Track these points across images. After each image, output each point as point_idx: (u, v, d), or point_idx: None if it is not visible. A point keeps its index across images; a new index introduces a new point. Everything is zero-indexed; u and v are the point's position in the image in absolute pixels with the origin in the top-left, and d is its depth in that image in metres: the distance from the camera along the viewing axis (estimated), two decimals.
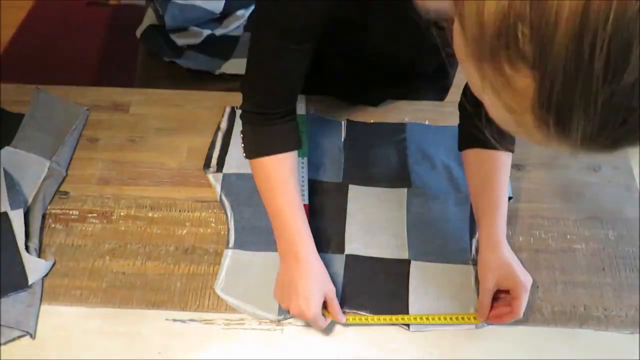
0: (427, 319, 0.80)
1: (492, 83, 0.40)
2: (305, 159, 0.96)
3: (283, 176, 0.80)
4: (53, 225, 0.89)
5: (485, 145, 0.81)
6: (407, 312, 0.81)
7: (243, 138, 0.83)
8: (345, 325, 0.80)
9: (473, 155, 0.84)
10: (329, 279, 0.79)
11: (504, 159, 0.82)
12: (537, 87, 0.36)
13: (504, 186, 0.82)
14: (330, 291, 0.78)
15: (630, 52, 0.32)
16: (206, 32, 1.34)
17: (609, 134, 0.37)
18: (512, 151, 0.83)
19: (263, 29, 0.72)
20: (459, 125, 0.88)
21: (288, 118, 0.81)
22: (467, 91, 0.83)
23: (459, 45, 0.43)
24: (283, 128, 0.81)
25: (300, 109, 1.03)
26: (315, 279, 0.77)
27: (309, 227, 0.81)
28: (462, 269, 0.85)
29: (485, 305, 0.78)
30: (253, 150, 0.81)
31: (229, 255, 0.86)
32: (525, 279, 0.77)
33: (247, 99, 0.80)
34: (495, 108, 0.41)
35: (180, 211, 0.91)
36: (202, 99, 1.07)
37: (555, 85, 0.35)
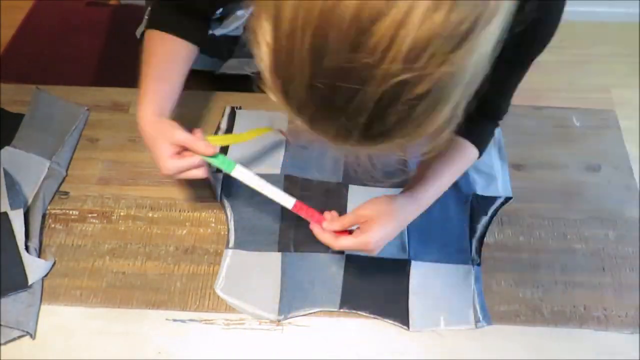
0: None
1: (255, 29, 0.44)
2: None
3: (170, 56, 0.78)
4: (53, 225, 0.89)
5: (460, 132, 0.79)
6: (407, 312, 0.81)
7: (151, 11, 0.80)
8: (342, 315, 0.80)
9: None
10: (172, 130, 0.73)
11: (470, 151, 0.80)
12: (271, 54, 0.42)
13: (455, 174, 0.80)
14: (177, 136, 0.72)
15: (327, 43, 0.38)
16: None
17: (316, 118, 0.43)
18: (480, 151, 0.81)
19: None
20: None
21: (203, 21, 0.79)
22: None
23: None
24: (195, 21, 0.78)
25: None
26: (156, 139, 0.74)
27: (164, 91, 0.78)
28: (462, 269, 0.86)
29: (342, 225, 0.74)
30: (155, 22, 0.78)
31: (229, 255, 0.86)
32: (364, 242, 0.71)
33: None
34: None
35: (180, 211, 0.91)
36: (202, 99, 1.06)
37: (280, 55, 0.41)
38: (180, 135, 0.73)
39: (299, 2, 0.38)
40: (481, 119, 0.77)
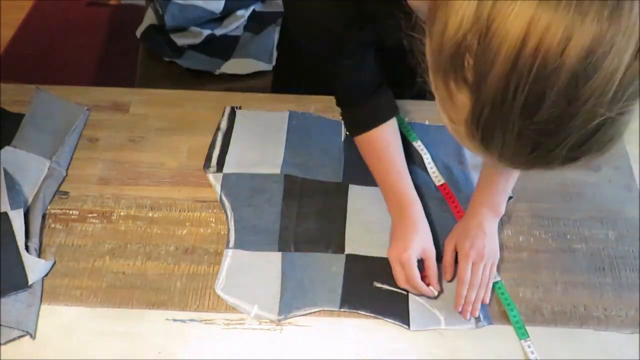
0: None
1: (440, 94, 0.49)
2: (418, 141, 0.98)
3: (383, 144, 0.88)
4: (53, 225, 0.89)
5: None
6: (407, 312, 0.81)
7: (343, 119, 0.92)
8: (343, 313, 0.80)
9: None
10: (432, 242, 0.84)
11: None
12: (472, 107, 0.46)
13: None
14: (430, 251, 0.83)
15: (544, 100, 0.42)
16: (206, 32, 1.34)
17: (520, 159, 0.47)
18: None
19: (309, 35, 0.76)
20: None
21: (379, 91, 0.85)
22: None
23: (426, 52, 0.50)
24: (375, 102, 0.86)
25: None
26: (419, 235, 0.83)
27: (413, 187, 0.87)
28: None
29: (448, 261, 0.84)
30: (354, 129, 0.89)
31: (229, 255, 0.86)
32: (476, 248, 0.82)
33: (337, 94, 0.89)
34: (441, 113, 0.51)
35: (180, 211, 0.91)
36: (202, 99, 1.06)
37: (484, 110, 0.44)
38: (430, 257, 0.83)
39: (511, 70, 0.42)
40: None
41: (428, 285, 0.81)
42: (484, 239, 0.83)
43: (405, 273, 0.81)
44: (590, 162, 0.49)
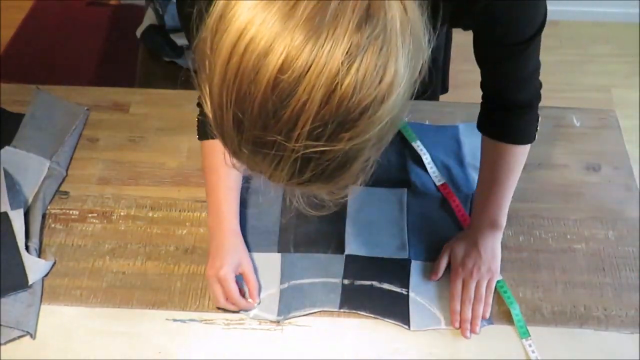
0: None
1: (199, 79, 0.48)
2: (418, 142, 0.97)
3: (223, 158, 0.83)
4: (53, 225, 0.89)
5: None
6: (407, 312, 0.81)
7: (197, 121, 0.84)
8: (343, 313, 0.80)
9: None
10: (247, 255, 0.84)
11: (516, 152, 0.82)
12: (210, 108, 0.46)
13: (516, 179, 0.83)
14: (247, 265, 0.82)
15: (244, 118, 0.43)
16: None
17: (256, 168, 0.48)
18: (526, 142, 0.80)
19: None
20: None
21: None
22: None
23: None
24: None
25: None
26: (233, 249, 0.82)
27: (238, 206, 0.86)
28: None
29: (439, 264, 0.84)
30: (203, 133, 0.83)
31: None
32: (466, 267, 0.82)
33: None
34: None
35: (180, 211, 0.91)
36: None
37: (216, 114, 0.46)
38: (249, 271, 0.82)
39: (222, 84, 0.43)
40: (512, 114, 0.76)
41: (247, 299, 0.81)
42: (477, 258, 0.82)
43: (224, 290, 0.79)
44: (321, 190, 0.51)
